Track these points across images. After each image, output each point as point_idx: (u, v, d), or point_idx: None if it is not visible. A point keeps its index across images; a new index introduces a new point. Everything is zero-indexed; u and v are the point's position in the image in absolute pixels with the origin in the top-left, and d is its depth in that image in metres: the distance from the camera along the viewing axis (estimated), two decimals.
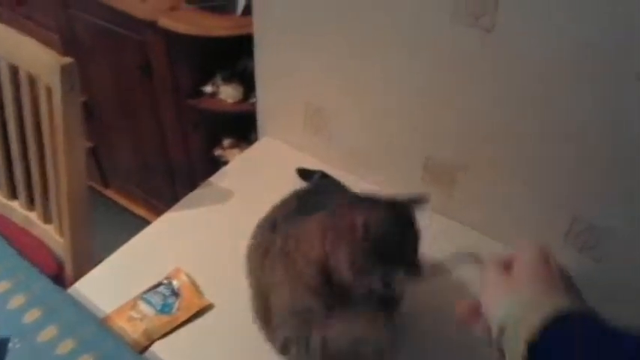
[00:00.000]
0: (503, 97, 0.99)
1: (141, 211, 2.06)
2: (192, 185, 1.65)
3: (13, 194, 1.28)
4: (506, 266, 0.64)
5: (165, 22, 1.49)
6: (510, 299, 0.59)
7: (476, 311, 0.64)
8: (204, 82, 1.61)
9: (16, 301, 0.80)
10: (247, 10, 1.46)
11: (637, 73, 0.82)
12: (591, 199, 0.99)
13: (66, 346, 0.74)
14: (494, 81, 0.98)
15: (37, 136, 1.15)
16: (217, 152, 1.70)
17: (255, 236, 0.91)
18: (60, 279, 1.16)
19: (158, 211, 1.84)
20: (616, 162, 0.93)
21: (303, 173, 1.24)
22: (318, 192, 0.99)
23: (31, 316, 0.78)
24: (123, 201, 2.12)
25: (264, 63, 1.30)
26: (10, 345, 0.75)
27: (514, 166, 1.05)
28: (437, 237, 1.14)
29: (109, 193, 2.14)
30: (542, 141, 0.98)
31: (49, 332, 0.75)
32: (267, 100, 1.36)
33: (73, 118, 1.06)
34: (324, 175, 1.20)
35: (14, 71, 1.12)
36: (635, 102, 0.86)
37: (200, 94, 1.61)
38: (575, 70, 0.89)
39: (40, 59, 1.06)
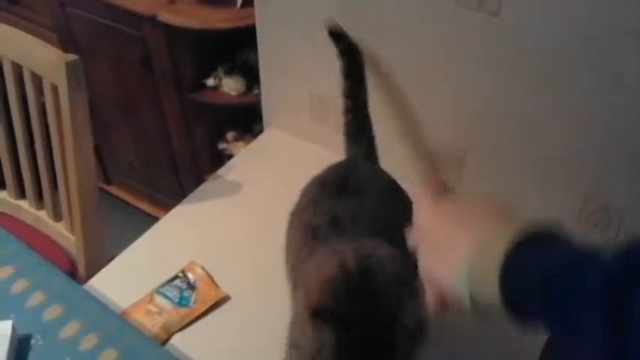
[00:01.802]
0: (511, 80, 0.99)
1: (145, 207, 2.06)
2: (197, 179, 1.65)
3: (21, 194, 1.28)
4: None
5: (165, 16, 1.48)
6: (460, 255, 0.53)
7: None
8: (206, 76, 1.60)
9: (36, 298, 0.80)
10: (247, 2, 1.46)
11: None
12: (603, 179, 0.99)
13: (89, 341, 0.74)
14: (501, 65, 0.98)
15: (45, 135, 1.15)
16: (221, 145, 1.69)
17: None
18: (73, 276, 1.16)
19: (163, 206, 1.85)
20: (625, 140, 0.94)
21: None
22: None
23: (52, 313, 0.78)
24: (127, 197, 2.11)
25: (267, 54, 1.30)
26: (33, 342, 0.75)
27: (522, 149, 1.05)
28: None
29: (112, 189, 2.14)
30: (551, 123, 0.99)
31: (71, 328, 0.76)
32: (271, 91, 1.36)
33: (81, 115, 1.06)
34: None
35: (18, 70, 1.12)
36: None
37: (202, 87, 1.61)
38: (581, 50, 0.89)
39: (44, 57, 1.05)
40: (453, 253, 0.54)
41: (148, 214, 2.02)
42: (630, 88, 0.88)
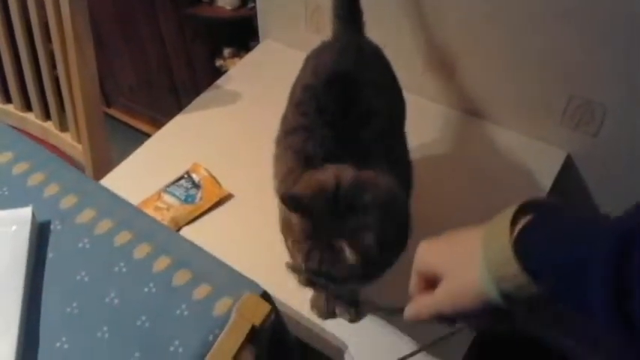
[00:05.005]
0: None
1: (145, 127, 2.10)
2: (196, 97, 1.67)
3: (27, 106, 1.31)
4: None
5: None
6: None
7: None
8: None
9: (51, 189, 0.85)
10: None
11: None
12: (587, 76, 1.03)
13: (105, 224, 0.80)
14: None
15: (47, 45, 1.17)
16: (218, 62, 1.72)
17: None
18: None
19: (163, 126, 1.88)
20: (611, 37, 0.97)
21: None
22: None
23: (68, 202, 0.83)
24: (127, 118, 2.15)
25: None
26: (52, 227, 0.81)
27: (509, 51, 1.09)
28: (439, 127, 1.20)
29: (112, 111, 2.17)
30: (538, 20, 1.02)
31: (87, 214, 0.81)
32: (266, 2, 1.37)
33: (82, 24, 1.08)
34: None
35: None
36: None
37: (198, 2, 1.62)
38: None
39: None
40: (466, 254, 0.55)
41: (149, 135, 2.04)
42: None
